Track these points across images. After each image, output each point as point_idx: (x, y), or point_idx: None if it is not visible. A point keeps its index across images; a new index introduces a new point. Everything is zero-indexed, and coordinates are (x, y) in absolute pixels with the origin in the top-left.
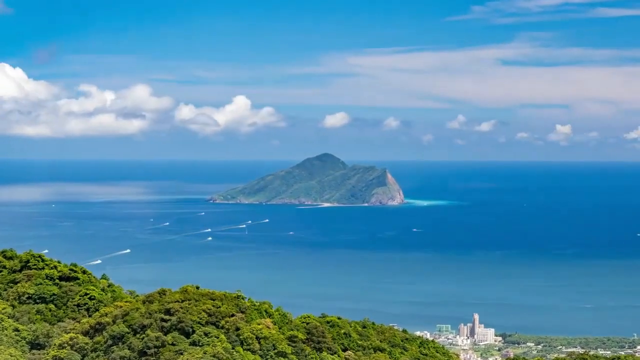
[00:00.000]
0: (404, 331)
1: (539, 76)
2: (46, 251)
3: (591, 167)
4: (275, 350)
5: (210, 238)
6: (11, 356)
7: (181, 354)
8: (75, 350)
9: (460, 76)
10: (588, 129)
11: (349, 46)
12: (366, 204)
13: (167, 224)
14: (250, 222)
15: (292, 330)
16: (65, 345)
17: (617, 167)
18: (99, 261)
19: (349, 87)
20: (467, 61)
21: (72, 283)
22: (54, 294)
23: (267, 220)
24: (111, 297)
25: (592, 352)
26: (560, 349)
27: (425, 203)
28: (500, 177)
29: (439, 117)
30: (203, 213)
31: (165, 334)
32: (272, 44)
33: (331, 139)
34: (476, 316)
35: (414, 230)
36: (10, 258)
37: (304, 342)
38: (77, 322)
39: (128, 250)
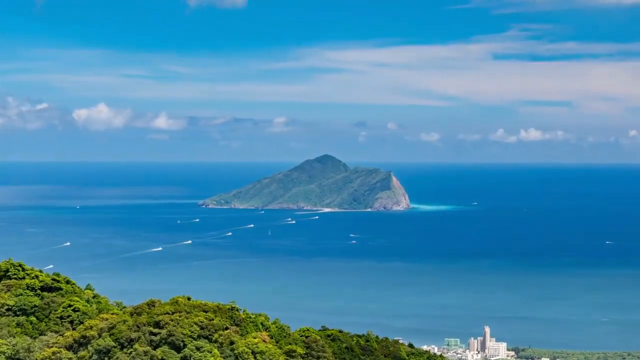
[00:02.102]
0: (410, 345)
1: (536, 72)
2: (67, 243)
3: (595, 169)
4: None
5: (230, 234)
6: None
7: None
8: None
9: (451, 72)
10: (591, 128)
11: (327, 39)
12: (369, 209)
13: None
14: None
15: (290, 344)
16: None
17: (624, 169)
18: (160, 248)
19: (328, 84)
20: (456, 55)
21: (54, 294)
22: (35, 306)
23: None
24: (97, 308)
25: None
26: None
27: (432, 208)
28: (504, 180)
29: (434, 116)
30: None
31: (155, 349)
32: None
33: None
34: (487, 329)
35: (351, 235)
36: None
37: (302, 357)
38: (60, 335)
39: (190, 242)
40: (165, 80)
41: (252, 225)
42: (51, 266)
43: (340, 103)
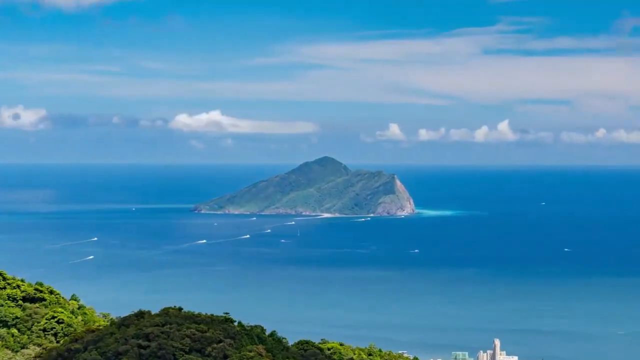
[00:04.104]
0: (416, 359)
1: (531, 68)
2: (95, 239)
3: (602, 171)
4: None
5: (269, 230)
6: None
7: None
8: None
9: (439, 67)
10: (593, 128)
11: (303, 33)
12: (372, 215)
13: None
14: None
15: (288, 357)
16: None
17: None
18: (204, 241)
19: (311, 82)
20: (442, 50)
21: (37, 304)
22: (16, 317)
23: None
24: (82, 320)
25: None
26: None
27: (438, 213)
28: (508, 182)
29: (427, 115)
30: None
31: None
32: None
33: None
34: (497, 342)
35: (282, 241)
36: None
37: None
38: (43, 349)
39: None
40: (140, 78)
41: (293, 222)
42: (92, 257)
43: (328, 101)
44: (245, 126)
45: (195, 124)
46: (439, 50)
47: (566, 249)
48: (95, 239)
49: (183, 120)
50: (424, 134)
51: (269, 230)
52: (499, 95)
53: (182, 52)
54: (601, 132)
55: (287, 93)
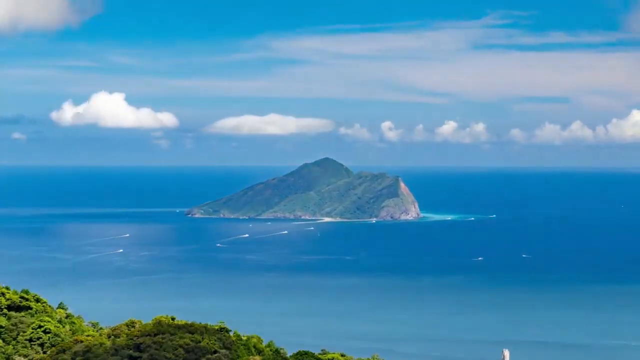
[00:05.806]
0: None
1: (527, 64)
2: (120, 251)
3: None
4: None
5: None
6: None
7: None
8: None
9: (426, 63)
10: (593, 127)
11: (276, 26)
12: (375, 219)
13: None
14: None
15: None
16: None
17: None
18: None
19: (288, 78)
20: (426, 45)
21: (23, 313)
22: (1, 327)
23: None
24: (70, 330)
25: None
26: None
27: (445, 217)
28: (509, 184)
29: (418, 114)
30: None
31: None
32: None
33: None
34: (506, 353)
35: (218, 245)
36: None
37: None
38: (29, 359)
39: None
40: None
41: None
42: (121, 250)
43: (304, 98)
44: (219, 126)
45: (164, 122)
46: (422, 45)
47: (524, 255)
48: (127, 235)
49: (150, 118)
50: (415, 134)
51: (312, 228)
52: (493, 93)
53: (151, 48)
54: (600, 131)
55: (263, 90)
